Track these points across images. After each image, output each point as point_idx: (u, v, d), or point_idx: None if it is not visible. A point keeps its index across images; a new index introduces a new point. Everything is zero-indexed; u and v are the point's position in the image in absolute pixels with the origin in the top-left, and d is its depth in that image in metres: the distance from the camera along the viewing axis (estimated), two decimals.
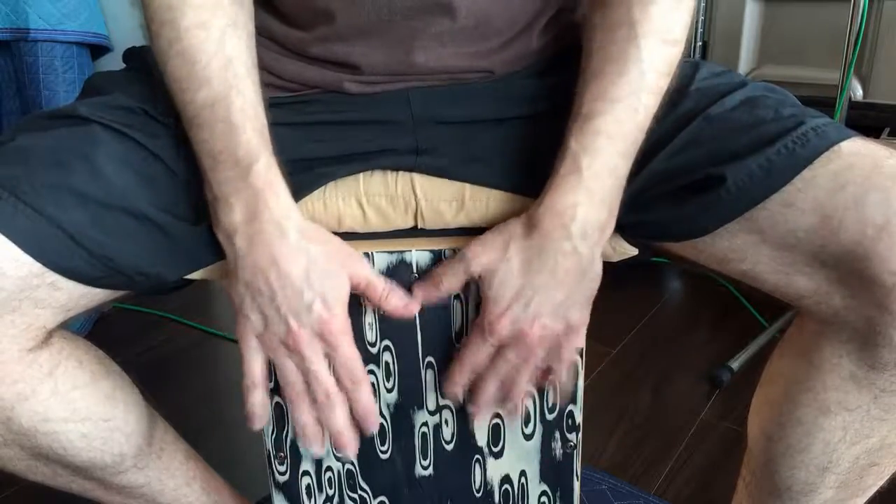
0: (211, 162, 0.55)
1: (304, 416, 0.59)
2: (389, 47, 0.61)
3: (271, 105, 0.58)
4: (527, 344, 0.57)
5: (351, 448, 0.60)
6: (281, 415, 0.67)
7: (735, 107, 0.58)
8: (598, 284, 0.59)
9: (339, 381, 0.58)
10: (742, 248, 0.57)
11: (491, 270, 0.57)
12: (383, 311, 0.60)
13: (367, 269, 0.58)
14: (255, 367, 0.58)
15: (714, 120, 0.58)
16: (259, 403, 0.59)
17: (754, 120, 0.57)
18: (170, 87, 0.57)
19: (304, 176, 0.61)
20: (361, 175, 0.64)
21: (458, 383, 0.62)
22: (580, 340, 0.59)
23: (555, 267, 0.55)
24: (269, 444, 0.69)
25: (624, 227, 0.62)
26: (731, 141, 0.56)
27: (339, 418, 0.58)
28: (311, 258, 0.55)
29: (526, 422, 0.68)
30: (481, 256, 0.57)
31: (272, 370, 0.59)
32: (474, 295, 0.62)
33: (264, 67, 0.64)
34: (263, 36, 0.63)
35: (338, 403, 0.58)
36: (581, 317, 0.58)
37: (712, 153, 0.56)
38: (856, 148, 0.53)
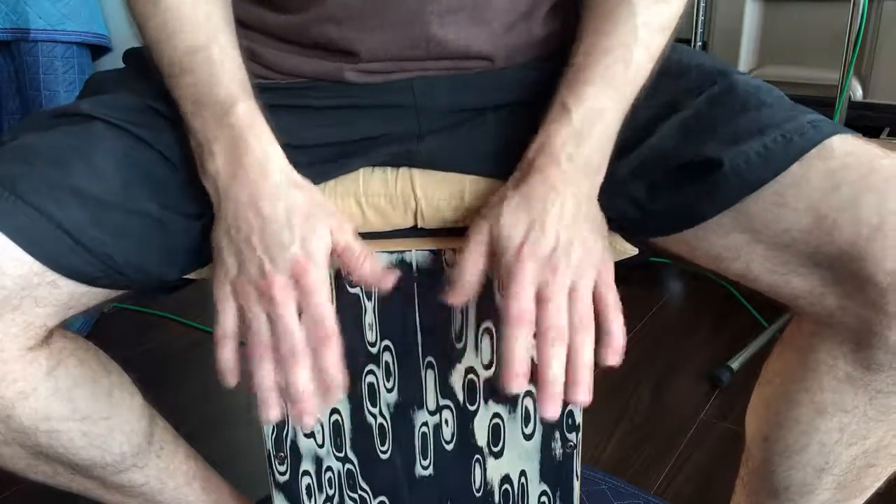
0: (192, 108, 0.56)
1: (262, 372, 0.53)
2: (386, 29, 0.61)
3: (270, 89, 0.59)
4: (561, 269, 0.52)
5: (309, 419, 0.53)
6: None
7: (739, 84, 0.59)
8: (606, 228, 0.57)
9: (307, 336, 0.53)
10: (736, 247, 0.57)
11: (496, 216, 0.55)
12: (354, 278, 0.57)
13: (349, 231, 0.56)
14: (228, 318, 0.54)
15: (716, 98, 0.58)
16: (230, 358, 0.55)
17: (756, 102, 0.57)
18: (151, 44, 0.58)
19: (305, 171, 0.61)
20: (361, 174, 0.64)
21: (515, 346, 0.52)
22: (612, 282, 0.55)
23: (557, 196, 0.54)
24: (269, 444, 0.69)
25: (623, 224, 0.62)
26: (729, 125, 0.56)
27: (301, 379, 0.52)
28: (293, 201, 0.53)
29: (526, 421, 0.68)
30: (483, 211, 0.56)
31: None
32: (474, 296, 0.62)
33: (264, 64, 0.64)
34: (258, 31, 0.63)
35: (301, 362, 0.52)
36: (604, 253, 0.55)
37: (711, 133, 0.56)
38: (850, 147, 0.53)
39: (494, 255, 0.55)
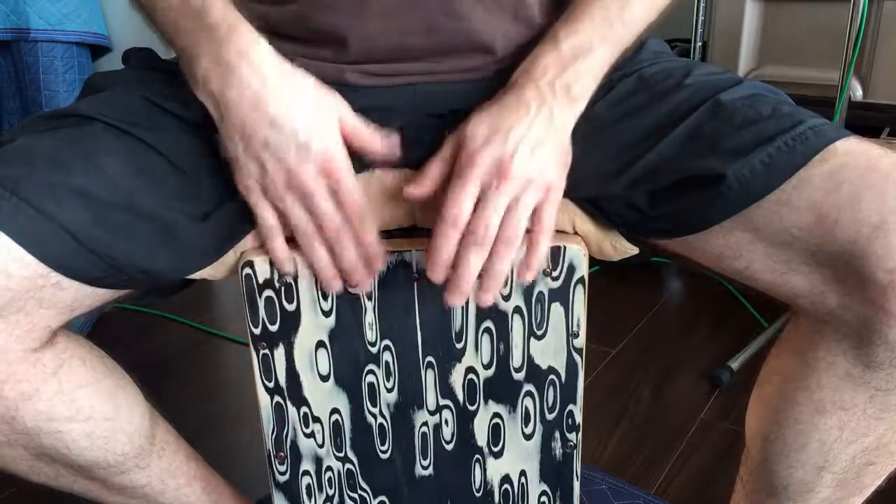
0: (172, 28, 0.57)
1: (320, 256, 0.58)
2: (384, 16, 0.61)
3: None
4: (509, 176, 0.54)
5: (366, 283, 0.60)
6: (281, 415, 0.67)
7: (735, 101, 0.59)
8: (570, 159, 0.58)
9: (344, 218, 0.57)
10: (737, 246, 0.57)
11: (469, 121, 0.57)
12: (369, 154, 0.59)
13: (349, 109, 0.58)
14: (267, 213, 0.57)
15: (715, 112, 0.58)
16: (282, 247, 0.59)
17: (754, 115, 0.57)
18: None
19: None
20: (361, 174, 0.64)
21: (442, 240, 0.55)
22: (556, 205, 0.58)
23: (527, 110, 0.56)
24: (270, 444, 0.69)
25: (624, 225, 0.63)
26: (732, 136, 0.56)
27: (352, 254, 0.58)
28: (295, 95, 0.54)
29: (526, 422, 0.68)
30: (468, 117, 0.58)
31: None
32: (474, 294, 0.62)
33: None
34: (260, 30, 0.63)
35: (346, 237, 0.57)
36: (558, 177, 0.57)
37: (712, 147, 0.57)
38: (851, 147, 0.54)
39: (457, 150, 0.57)
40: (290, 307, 0.63)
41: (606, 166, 0.60)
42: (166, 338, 1.57)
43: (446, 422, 0.69)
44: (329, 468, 0.70)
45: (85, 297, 0.56)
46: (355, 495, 0.72)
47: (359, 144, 0.58)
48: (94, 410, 0.60)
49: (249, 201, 0.57)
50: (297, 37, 0.63)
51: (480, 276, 0.57)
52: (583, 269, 0.62)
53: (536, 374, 0.66)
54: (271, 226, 0.58)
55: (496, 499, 0.72)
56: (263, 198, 0.57)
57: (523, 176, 0.54)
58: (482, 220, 0.54)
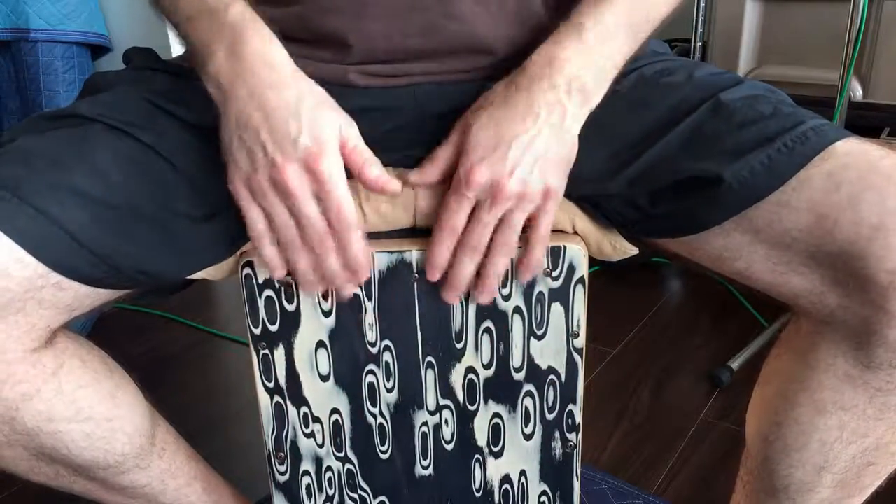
0: (188, 23, 0.56)
1: (300, 259, 0.56)
2: (386, 17, 0.61)
3: None
4: (503, 198, 0.55)
5: (346, 292, 0.59)
6: (281, 415, 0.67)
7: (735, 101, 0.59)
8: (574, 157, 0.58)
9: (329, 225, 0.54)
10: (737, 247, 0.57)
11: (474, 114, 0.57)
12: (361, 181, 0.57)
13: (355, 128, 0.56)
14: (256, 218, 0.55)
15: (715, 112, 0.58)
16: (272, 254, 0.56)
17: (755, 115, 0.57)
18: None
19: None
20: None
21: (439, 247, 0.58)
22: (553, 212, 0.58)
23: (536, 115, 0.55)
24: (269, 444, 0.69)
25: (624, 225, 0.62)
26: (732, 136, 0.56)
27: (334, 262, 0.56)
28: (299, 91, 0.54)
29: (526, 422, 0.68)
30: (468, 110, 0.58)
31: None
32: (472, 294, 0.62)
33: None
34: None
35: (328, 248, 0.55)
36: (558, 183, 0.57)
37: (712, 147, 0.57)
38: (850, 148, 0.54)
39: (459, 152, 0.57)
40: (290, 307, 0.63)
41: (606, 165, 0.60)
42: (166, 338, 1.57)
43: (446, 422, 0.69)
44: (329, 468, 0.70)
45: (85, 297, 0.56)
46: (355, 495, 0.72)
47: (356, 166, 0.56)
48: (93, 411, 0.60)
49: (239, 204, 0.55)
50: (299, 38, 0.63)
51: (478, 275, 0.59)
52: (583, 269, 0.62)
53: (536, 374, 0.66)
54: (260, 230, 0.55)
55: (496, 499, 0.72)
56: (252, 200, 0.55)
57: (519, 193, 0.55)
58: (475, 231, 0.56)
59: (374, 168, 0.56)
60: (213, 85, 0.55)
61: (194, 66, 0.57)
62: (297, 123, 0.52)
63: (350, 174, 0.55)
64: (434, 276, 0.59)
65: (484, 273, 0.59)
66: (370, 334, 0.65)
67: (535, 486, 0.71)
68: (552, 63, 0.56)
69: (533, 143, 0.55)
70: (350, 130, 0.55)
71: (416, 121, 0.63)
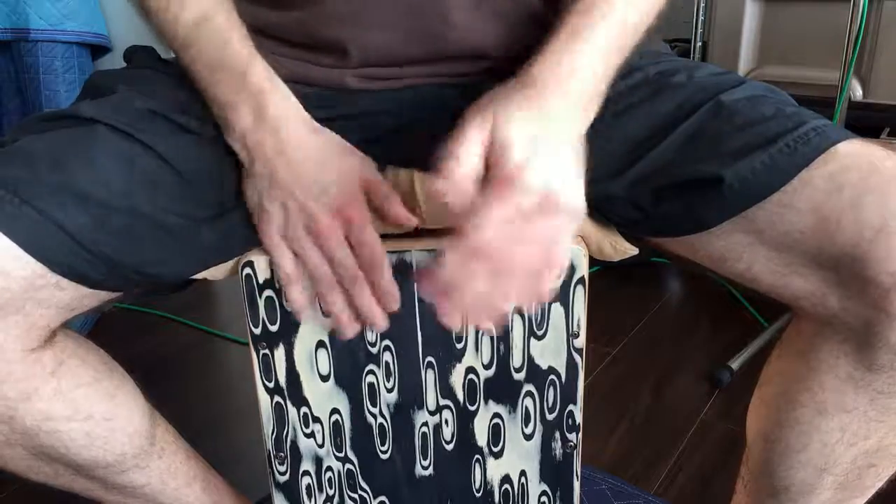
0: (208, 74, 0.58)
1: (332, 300, 0.59)
2: (385, 26, 0.61)
3: None
4: (553, 204, 0.49)
5: (383, 322, 0.60)
6: (281, 415, 0.67)
7: (737, 102, 0.58)
8: (584, 170, 0.53)
9: (360, 265, 0.58)
10: (738, 248, 0.57)
11: (494, 106, 0.52)
12: (383, 213, 0.58)
13: (373, 167, 0.60)
14: (286, 261, 0.59)
15: (716, 113, 0.58)
16: (299, 298, 0.60)
17: (756, 116, 0.57)
18: (158, 20, 0.60)
19: None
20: None
21: (462, 267, 0.49)
22: (572, 235, 0.53)
23: (554, 119, 0.53)
24: (269, 444, 0.69)
25: (625, 225, 0.62)
26: (733, 137, 0.56)
27: (365, 299, 0.59)
28: (320, 145, 0.58)
29: (526, 422, 0.68)
30: (480, 101, 0.53)
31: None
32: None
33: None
34: (261, 34, 0.63)
35: (361, 284, 0.58)
36: (581, 203, 0.51)
37: (713, 148, 0.56)
38: (853, 149, 0.53)
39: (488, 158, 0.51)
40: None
41: (607, 166, 0.60)
42: (166, 338, 1.57)
43: (446, 422, 0.69)
44: (329, 468, 0.70)
45: (84, 296, 0.56)
46: (355, 495, 0.72)
47: (377, 203, 0.59)
48: (93, 410, 0.60)
49: (267, 246, 0.59)
50: (298, 43, 0.63)
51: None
52: (583, 269, 0.62)
53: (536, 375, 0.66)
54: (289, 273, 0.59)
55: (496, 499, 0.72)
56: (282, 245, 0.58)
57: (565, 206, 0.50)
58: (517, 249, 0.49)
59: (395, 205, 0.58)
60: (240, 144, 0.58)
61: (214, 116, 0.59)
62: (325, 174, 0.56)
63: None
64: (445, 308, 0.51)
65: (489, 301, 0.51)
66: (370, 334, 0.65)
67: (535, 486, 0.71)
68: (560, 76, 0.54)
69: (557, 150, 0.51)
70: (368, 170, 0.59)
71: (416, 122, 0.63)
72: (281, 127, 0.57)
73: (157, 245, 0.57)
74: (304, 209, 0.56)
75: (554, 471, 0.70)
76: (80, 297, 0.56)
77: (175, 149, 0.59)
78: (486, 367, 0.66)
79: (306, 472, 0.70)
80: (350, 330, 0.60)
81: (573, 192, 0.51)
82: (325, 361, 0.66)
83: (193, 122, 0.60)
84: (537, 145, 0.50)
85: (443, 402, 0.68)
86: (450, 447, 0.70)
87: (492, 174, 0.50)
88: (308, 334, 0.65)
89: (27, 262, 0.51)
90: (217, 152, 0.59)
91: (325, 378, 0.66)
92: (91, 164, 0.55)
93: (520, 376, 0.66)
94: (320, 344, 0.65)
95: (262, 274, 0.62)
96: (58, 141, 0.56)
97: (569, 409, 0.68)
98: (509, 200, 0.48)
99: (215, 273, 0.64)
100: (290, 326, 0.64)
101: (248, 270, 0.62)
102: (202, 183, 0.59)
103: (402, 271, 0.62)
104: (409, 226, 0.60)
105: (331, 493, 0.72)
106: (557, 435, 0.69)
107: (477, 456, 0.70)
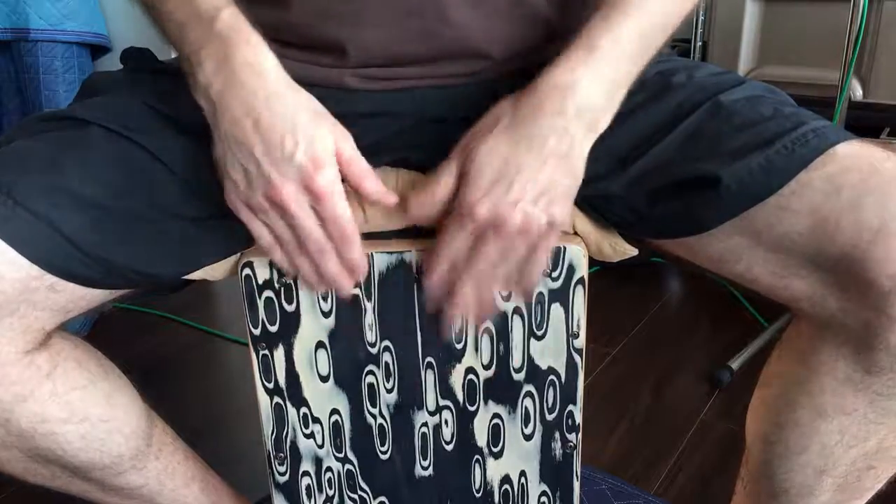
0: (178, 30, 0.55)
1: (302, 264, 0.57)
2: (383, 23, 0.60)
3: None
4: (506, 233, 0.53)
5: (344, 292, 0.59)
6: (281, 415, 0.67)
7: (735, 102, 0.58)
8: (580, 183, 0.56)
9: (329, 237, 0.55)
10: (737, 250, 0.57)
11: (477, 138, 0.54)
12: (360, 191, 0.56)
13: (350, 139, 0.55)
14: (260, 230, 0.55)
15: (715, 113, 0.58)
16: (285, 259, 0.57)
17: (755, 116, 0.57)
18: None
19: None
20: None
21: (435, 271, 0.57)
22: (554, 241, 0.57)
23: (542, 143, 0.53)
24: (269, 444, 0.69)
25: (623, 225, 0.62)
26: (731, 137, 0.56)
27: (334, 267, 0.56)
28: (293, 104, 0.52)
29: (526, 422, 0.68)
30: (472, 129, 0.56)
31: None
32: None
33: None
34: (262, 35, 0.63)
35: (327, 254, 0.56)
36: (562, 213, 0.55)
37: (712, 149, 0.56)
38: (852, 151, 0.53)
39: (462, 177, 0.55)
40: (290, 308, 0.63)
41: (606, 166, 0.60)
42: (166, 338, 1.57)
43: (446, 422, 0.69)
44: (329, 469, 0.70)
45: (80, 298, 0.56)
46: (355, 496, 0.72)
47: (353, 178, 0.55)
48: (89, 412, 0.59)
49: (241, 218, 0.55)
50: (297, 42, 0.63)
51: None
52: (582, 270, 0.62)
53: (536, 375, 0.66)
54: (268, 241, 0.56)
55: (496, 499, 0.72)
56: (252, 215, 0.55)
57: (522, 228, 0.53)
58: (478, 263, 0.55)
59: (370, 181, 0.56)
60: (203, 96, 0.54)
61: (184, 75, 0.56)
62: (293, 140, 0.51)
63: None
64: (432, 308, 0.59)
65: (484, 299, 0.58)
66: (370, 335, 0.65)
67: (535, 487, 0.71)
68: (563, 88, 0.53)
69: (538, 174, 0.53)
70: (345, 142, 0.54)
71: (416, 124, 0.63)
72: (248, 79, 0.52)
73: (152, 243, 0.57)
74: (263, 175, 0.52)
75: (554, 471, 0.70)
76: (75, 300, 0.56)
77: (170, 149, 0.59)
78: (486, 367, 0.66)
79: (306, 473, 0.70)
80: (318, 287, 0.58)
81: (534, 209, 0.53)
82: (324, 362, 0.66)
83: (189, 122, 0.60)
84: (499, 177, 0.53)
85: (442, 402, 0.68)
86: (449, 447, 0.70)
87: (459, 200, 0.54)
88: (307, 335, 0.64)
89: (21, 264, 0.51)
90: (211, 150, 0.59)
91: (324, 378, 0.66)
92: (85, 165, 0.55)
93: (519, 377, 0.66)
94: (320, 344, 0.65)
95: (262, 274, 0.62)
96: (52, 142, 0.56)
97: (568, 409, 0.68)
98: (463, 226, 0.54)
99: (214, 273, 0.63)
100: (289, 327, 0.64)
101: (247, 271, 0.62)
102: (197, 183, 0.59)
103: (402, 271, 0.62)
104: (388, 203, 0.57)
105: (330, 493, 0.72)
106: (557, 435, 0.69)
107: (477, 456, 0.70)
